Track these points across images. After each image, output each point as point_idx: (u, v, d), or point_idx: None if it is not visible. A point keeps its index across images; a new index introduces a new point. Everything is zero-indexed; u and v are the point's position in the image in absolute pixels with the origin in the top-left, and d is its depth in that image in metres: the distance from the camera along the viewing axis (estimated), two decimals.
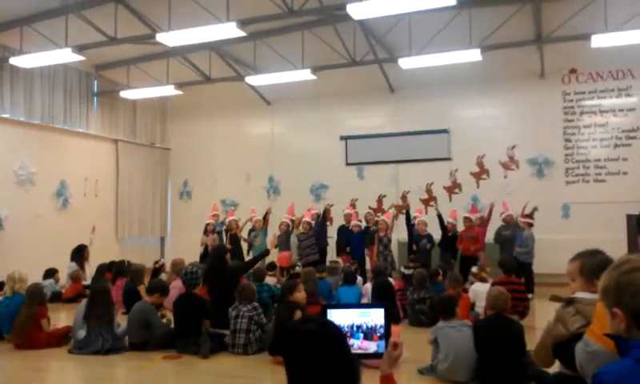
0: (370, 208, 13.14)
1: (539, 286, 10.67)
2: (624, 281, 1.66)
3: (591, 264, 2.91)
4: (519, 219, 10.98)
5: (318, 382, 1.78)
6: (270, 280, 9.27)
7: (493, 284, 7.00)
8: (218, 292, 7.76)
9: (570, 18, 10.11)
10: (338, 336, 1.88)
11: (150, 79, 13.82)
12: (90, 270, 11.25)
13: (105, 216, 14.59)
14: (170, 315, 7.14)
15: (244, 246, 12.08)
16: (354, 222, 11.80)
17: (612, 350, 1.82)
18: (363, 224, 11.97)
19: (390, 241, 11.26)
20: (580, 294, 3.01)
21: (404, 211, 12.17)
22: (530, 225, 10.93)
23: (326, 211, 12.76)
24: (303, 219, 11.78)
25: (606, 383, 1.51)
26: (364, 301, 8.20)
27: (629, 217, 11.11)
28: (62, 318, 8.50)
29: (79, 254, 11.40)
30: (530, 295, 9.93)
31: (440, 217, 11.18)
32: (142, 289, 8.25)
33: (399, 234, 12.31)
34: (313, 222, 11.78)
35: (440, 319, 5.58)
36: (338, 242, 12.01)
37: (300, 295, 6.30)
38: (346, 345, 1.88)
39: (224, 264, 8.42)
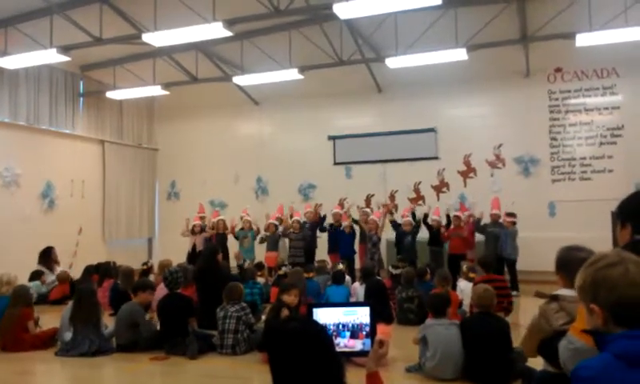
0: (360, 208, 13.13)
1: (526, 283, 10.71)
2: (600, 277, 1.68)
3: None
4: (504, 219, 11.07)
5: (301, 381, 1.79)
6: (258, 280, 9.27)
7: (475, 283, 7.04)
8: (208, 292, 7.70)
9: (555, 16, 10.20)
10: (320, 335, 1.88)
11: (136, 79, 13.71)
12: (75, 271, 11.17)
13: (92, 217, 14.49)
14: (155, 316, 7.10)
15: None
16: (345, 223, 11.77)
17: (594, 347, 1.84)
18: (355, 215, 11.94)
19: (379, 239, 11.29)
20: (564, 291, 3.05)
21: (393, 210, 12.20)
22: (514, 223, 11.02)
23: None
24: (294, 218, 11.77)
25: (584, 378, 1.53)
26: (353, 300, 8.20)
27: (614, 214, 11.19)
28: (48, 319, 8.42)
29: (46, 257, 11.15)
30: (514, 293, 10.03)
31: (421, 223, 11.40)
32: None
33: (387, 233, 12.33)
34: (302, 221, 11.79)
35: (430, 316, 5.60)
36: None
37: (289, 299, 6.28)
38: (330, 343, 1.88)
39: (215, 264, 8.34)
